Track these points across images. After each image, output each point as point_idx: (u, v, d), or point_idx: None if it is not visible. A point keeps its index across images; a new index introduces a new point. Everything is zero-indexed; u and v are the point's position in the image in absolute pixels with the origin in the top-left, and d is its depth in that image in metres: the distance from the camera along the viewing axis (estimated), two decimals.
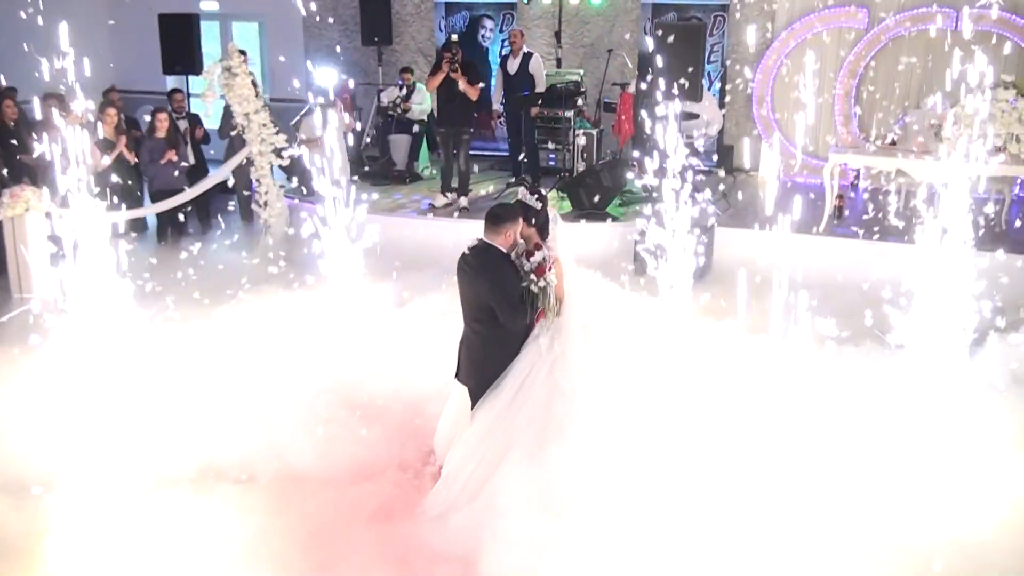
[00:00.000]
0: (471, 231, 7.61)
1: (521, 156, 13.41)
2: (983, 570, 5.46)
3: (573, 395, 6.07)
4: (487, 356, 6.13)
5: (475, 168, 12.89)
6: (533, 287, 5.96)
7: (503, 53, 13.99)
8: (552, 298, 6.01)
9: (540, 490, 5.79)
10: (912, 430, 6.69)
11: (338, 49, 15.35)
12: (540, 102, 13.10)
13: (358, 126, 13.92)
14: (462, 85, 11.74)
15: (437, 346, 7.78)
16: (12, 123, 11.19)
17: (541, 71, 13.26)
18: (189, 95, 12.77)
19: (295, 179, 11.49)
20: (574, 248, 6.54)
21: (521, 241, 6.12)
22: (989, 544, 5.64)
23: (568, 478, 5.87)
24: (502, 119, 13.74)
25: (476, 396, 6.16)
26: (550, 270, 5.98)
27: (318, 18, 15.52)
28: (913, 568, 5.49)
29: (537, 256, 6.00)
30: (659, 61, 10.13)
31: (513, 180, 13.24)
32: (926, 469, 6.32)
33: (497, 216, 5.99)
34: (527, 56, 13.13)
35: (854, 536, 5.69)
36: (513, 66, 13.14)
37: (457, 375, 6.38)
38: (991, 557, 5.54)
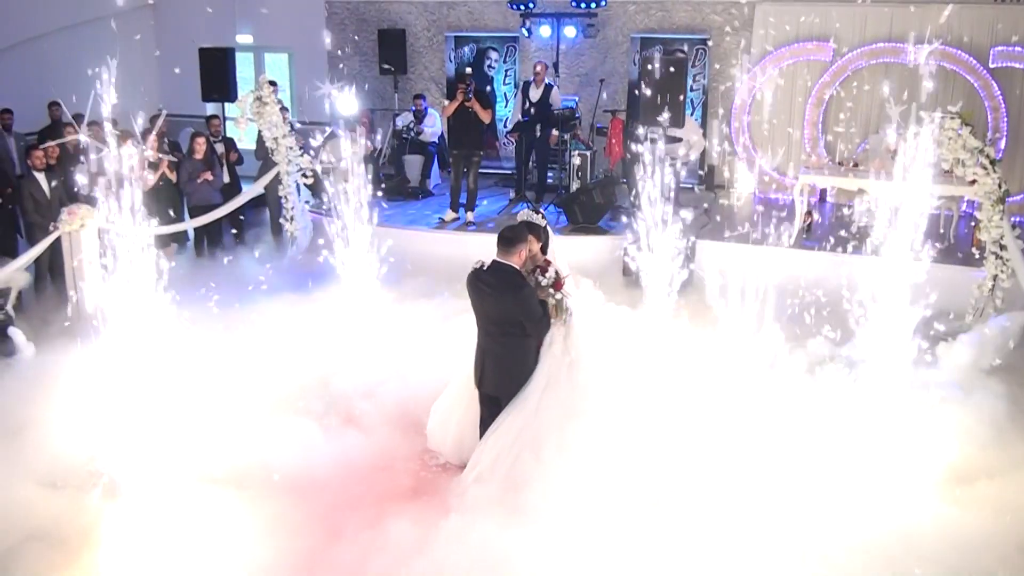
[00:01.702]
0: (477, 242, 7.77)
1: (529, 175, 13.62)
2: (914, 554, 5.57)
3: (592, 390, 6.23)
4: (514, 366, 6.20)
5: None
6: (551, 299, 6.08)
7: (525, 80, 14.11)
8: (566, 308, 6.14)
9: (571, 473, 5.94)
10: (865, 429, 6.75)
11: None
12: (556, 129, 13.30)
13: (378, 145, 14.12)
14: (477, 110, 11.92)
15: (441, 346, 8.02)
16: (73, 148, 11.41)
17: (559, 101, 13.46)
18: (225, 120, 12.94)
19: (320, 195, 11.66)
20: (567, 258, 6.70)
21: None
22: (929, 536, 5.73)
23: (597, 460, 6.03)
24: (513, 138, 13.83)
25: (505, 404, 6.22)
26: (563, 284, 6.12)
27: (340, 51, 15.76)
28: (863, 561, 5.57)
29: (551, 272, 6.10)
30: (646, 90, 10.35)
31: (515, 195, 13.46)
32: (874, 465, 6.41)
33: (509, 239, 6.06)
34: (548, 87, 13.30)
35: (809, 533, 5.75)
36: (535, 95, 13.28)
37: (480, 384, 6.38)
38: (932, 547, 5.63)
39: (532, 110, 13.23)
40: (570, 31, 14.24)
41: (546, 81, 13.32)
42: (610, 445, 6.19)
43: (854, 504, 6.01)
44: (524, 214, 6.41)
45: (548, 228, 6.44)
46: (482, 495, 5.97)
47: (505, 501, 5.86)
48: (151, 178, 10.84)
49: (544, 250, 6.31)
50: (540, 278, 6.09)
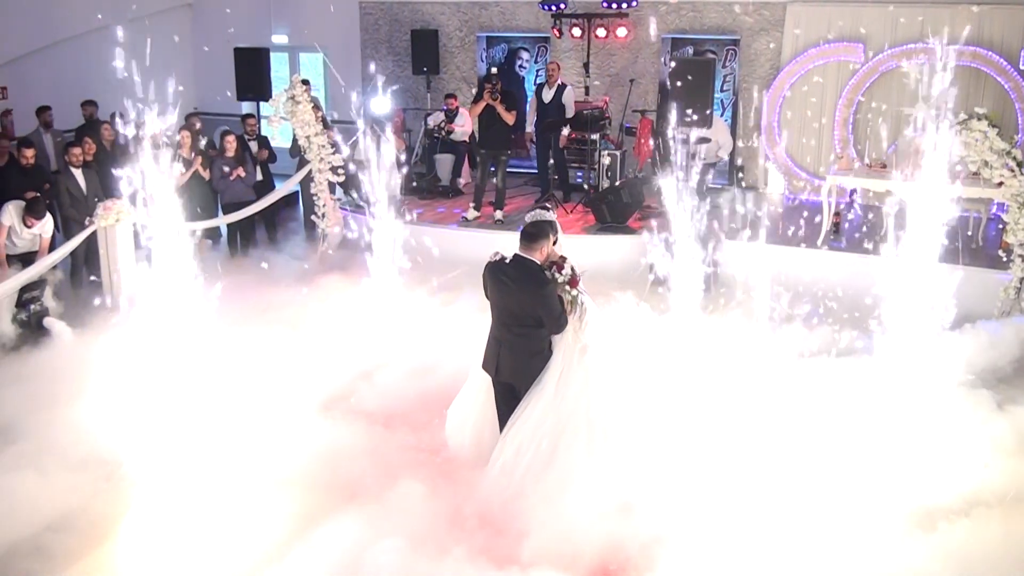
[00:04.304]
0: (505, 240, 7.79)
1: (552, 175, 13.64)
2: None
3: (605, 374, 6.22)
4: (531, 355, 6.17)
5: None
6: (567, 296, 6.08)
7: (538, 82, 14.16)
8: (581, 305, 6.12)
9: (597, 461, 6.00)
10: (885, 441, 6.67)
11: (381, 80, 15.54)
12: (569, 128, 13.31)
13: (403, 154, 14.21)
14: (500, 112, 11.96)
15: (466, 342, 8.02)
16: (109, 145, 11.62)
17: (572, 101, 13.45)
18: (260, 118, 13.10)
19: (352, 193, 11.77)
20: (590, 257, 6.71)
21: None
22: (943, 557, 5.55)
23: (618, 444, 6.09)
24: (533, 142, 13.93)
25: (522, 392, 6.22)
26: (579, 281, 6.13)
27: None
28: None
29: (567, 268, 6.10)
30: (675, 91, 10.36)
31: (541, 197, 13.46)
32: (898, 460, 6.37)
33: (532, 234, 6.07)
34: (561, 87, 13.32)
35: (820, 549, 5.61)
36: (548, 95, 13.34)
37: (496, 373, 6.33)
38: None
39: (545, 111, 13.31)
40: (601, 32, 14.26)
41: (559, 81, 13.36)
42: (630, 429, 6.22)
43: (866, 522, 5.87)
44: (533, 214, 6.43)
45: (557, 223, 6.42)
46: (507, 485, 6.03)
47: (530, 491, 5.91)
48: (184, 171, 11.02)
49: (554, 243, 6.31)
50: (556, 275, 6.09)
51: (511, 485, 6.03)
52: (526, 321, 6.10)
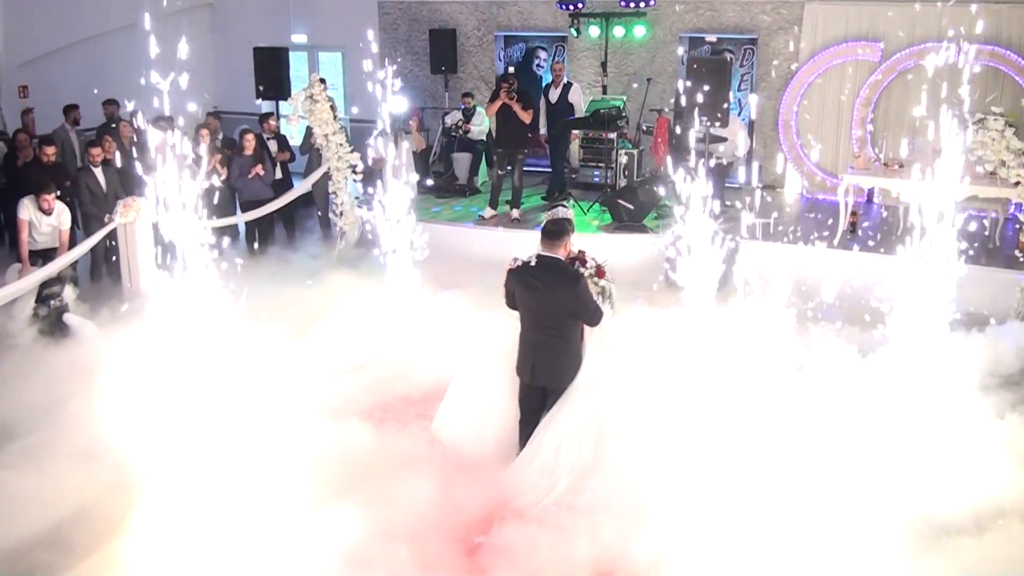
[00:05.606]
0: (522, 239, 7.84)
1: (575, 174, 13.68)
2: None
3: (633, 374, 6.33)
4: (569, 358, 6.20)
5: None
6: (596, 287, 6.16)
7: (546, 84, 14.18)
8: (611, 294, 6.22)
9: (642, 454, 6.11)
10: (899, 428, 6.67)
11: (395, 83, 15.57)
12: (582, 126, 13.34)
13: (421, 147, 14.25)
14: (517, 111, 11.99)
15: (480, 340, 8.09)
16: (128, 143, 11.72)
17: (580, 99, 13.45)
18: (278, 117, 13.17)
19: (369, 190, 11.82)
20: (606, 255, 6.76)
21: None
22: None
23: (656, 441, 6.18)
24: (547, 142, 13.97)
25: (552, 393, 6.26)
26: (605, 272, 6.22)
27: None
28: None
29: (590, 261, 6.21)
30: (691, 90, 10.37)
31: (558, 196, 13.46)
32: (909, 464, 6.32)
33: (555, 232, 6.09)
34: (567, 86, 13.35)
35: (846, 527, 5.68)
36: (554, 95, 13.38)
37: (532, 378, 6.27)
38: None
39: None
40: (618, 31, 14.26)
41: (564, 80, 13.35)
42: (664, 426, 6.29)
43: (878, 530, 5.80)
44: (551, 212, 6.46)
45: (571, 221, 6.47)
46: (551, 486, 6.08)
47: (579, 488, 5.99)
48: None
49: None
50: (582, 269, 6.16)
51: (555, 485, 6.07)
52: (562, 320, 6.12)
